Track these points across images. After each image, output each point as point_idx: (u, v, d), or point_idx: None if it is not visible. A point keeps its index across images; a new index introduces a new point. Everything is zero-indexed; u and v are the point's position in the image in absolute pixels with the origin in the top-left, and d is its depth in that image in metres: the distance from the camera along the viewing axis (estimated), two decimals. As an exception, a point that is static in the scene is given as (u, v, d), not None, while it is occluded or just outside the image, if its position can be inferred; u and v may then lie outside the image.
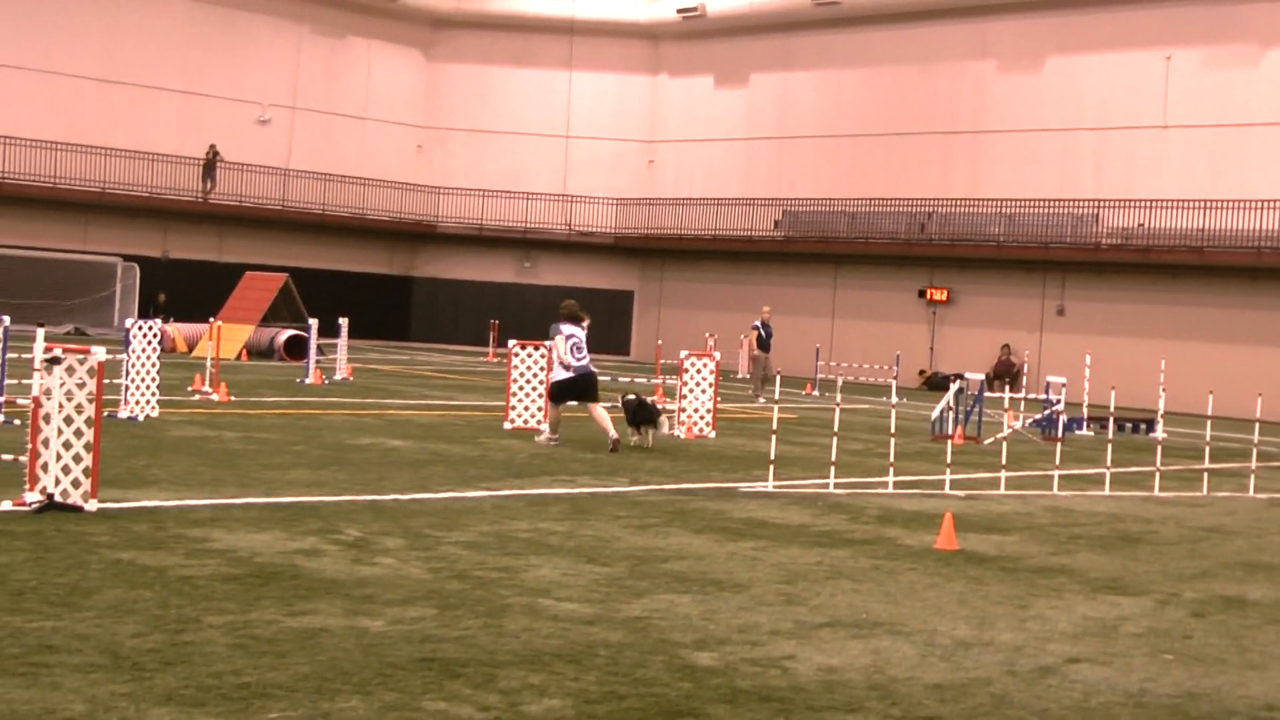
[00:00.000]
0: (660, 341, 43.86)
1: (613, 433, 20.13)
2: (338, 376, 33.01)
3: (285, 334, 40.40)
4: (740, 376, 46.64)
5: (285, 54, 57.97)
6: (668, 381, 30.77)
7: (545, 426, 21.18)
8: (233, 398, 25.45)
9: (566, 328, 20.73)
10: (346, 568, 10.22)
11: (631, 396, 21.33)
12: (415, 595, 9.38)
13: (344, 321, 34.59)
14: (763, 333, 35.85)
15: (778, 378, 19.16)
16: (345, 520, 12.39)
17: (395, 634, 8.26)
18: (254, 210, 55.56)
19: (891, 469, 17.44)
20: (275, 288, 42.26)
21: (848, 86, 55.73)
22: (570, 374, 20.63)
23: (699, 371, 24.10)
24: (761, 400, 33.64)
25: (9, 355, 19.64)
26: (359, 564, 10.40)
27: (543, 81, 61.92)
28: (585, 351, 20.94)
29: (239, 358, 38.82)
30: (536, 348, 23.26)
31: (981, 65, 52.03)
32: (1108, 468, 19.07)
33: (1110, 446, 19.80)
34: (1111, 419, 21.13)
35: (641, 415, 21.06)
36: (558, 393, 20.79)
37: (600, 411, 20.66)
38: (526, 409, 22.91)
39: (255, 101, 57.04)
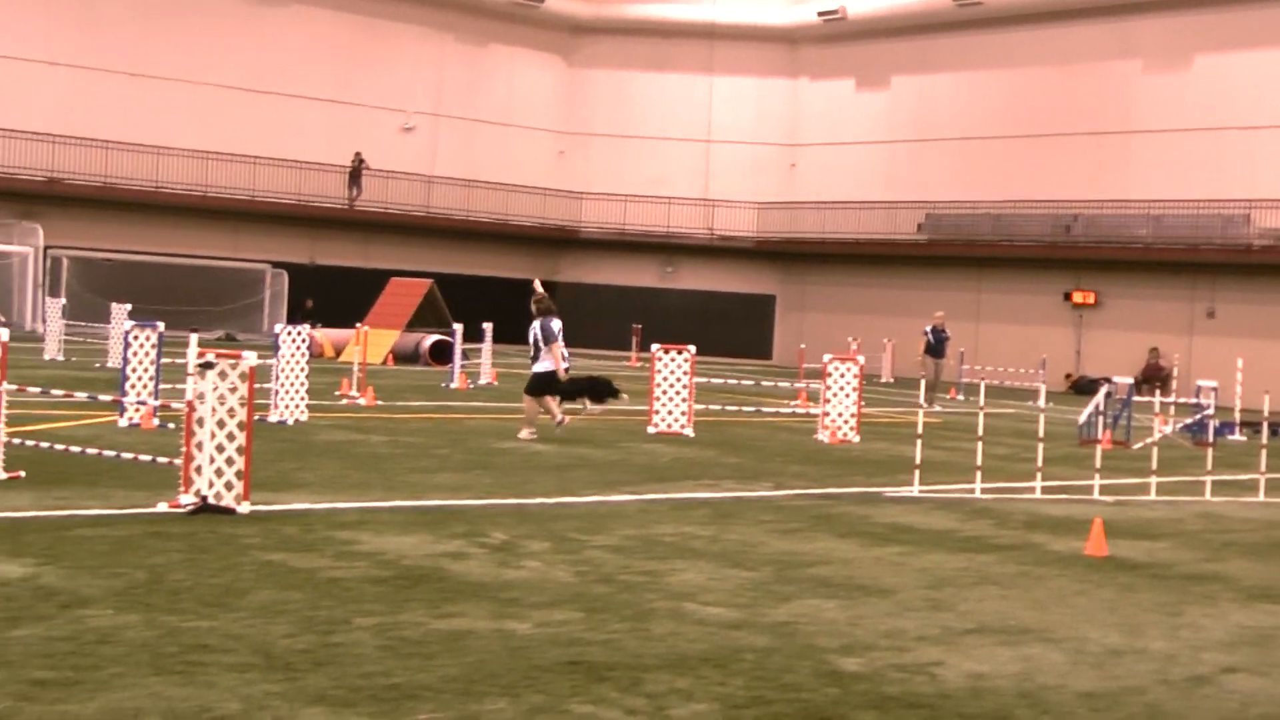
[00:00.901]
0: (803, 345, 43.67)
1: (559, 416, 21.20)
2: (482, 381, 33.29)
3: (430, 339, 40.78)
4: (883, 381, 46.34)
5: (429, 62, 58.60)
6: (811, 386, 30.62)
7: (537, 427, 21.23)
8: (379, 402, 25.75)
9: (557, 323, 21.28)
10: (492, 571, 10.30)
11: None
12: (561, 598, 9.43)
13: (488, 326, 34.88)
14: (931, 339, 35.03)
15: (923, 383, 18.86)
16: (490, 524, 12.48)
17: (541, 637, 8.30)
18: (399, 216, 56.22)
19: (1039, 474, 17.22)
20: (420, 293, 42.68)
21: (990, 87, 55.15)
22: (550, 367, 21.10)
23: (842, 375, 23.96)
24: (936, 407, 32.86)
25: (163, 360, 20.04)
26: (505, 567, 10.47)
27: (683, 86, 61.97)
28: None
29: (385, 362, 39.26)
30: (680, 351, 23.27)
31: (1127, 64, 51.23)
32: (1262, 473, 18.67)
33: (1264, 452, 19.38)
34: (1265, 424, 20.67)
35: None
36: (547, 386, 21.30)
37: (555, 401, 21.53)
38: (670, 413, 22.92)
39: (400, 109, 57.73)
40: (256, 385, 12.73)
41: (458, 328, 34.16)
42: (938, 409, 32.41)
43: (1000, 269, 53.44)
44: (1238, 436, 29.00)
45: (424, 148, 58.09)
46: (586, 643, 8.22)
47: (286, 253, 53.99)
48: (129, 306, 29.45)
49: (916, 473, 16.70)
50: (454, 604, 9.07)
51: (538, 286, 22.83)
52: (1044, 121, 53.04)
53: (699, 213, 60.70)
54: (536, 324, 21.17)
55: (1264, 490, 18.43)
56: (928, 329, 35.45)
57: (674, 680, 7.50)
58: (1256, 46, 47.74)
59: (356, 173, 54.84)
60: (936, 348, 35.16)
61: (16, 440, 14.81)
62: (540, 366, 21.07)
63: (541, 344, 21.00)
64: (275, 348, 21.27)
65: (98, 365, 31.51)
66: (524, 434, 20.78)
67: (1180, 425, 28.30)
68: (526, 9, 60.21)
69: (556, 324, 21.17)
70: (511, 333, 52.97)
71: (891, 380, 47.35)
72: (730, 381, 31.35)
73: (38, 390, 16.11)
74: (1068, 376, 49.76)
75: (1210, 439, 20.55)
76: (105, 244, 50.13)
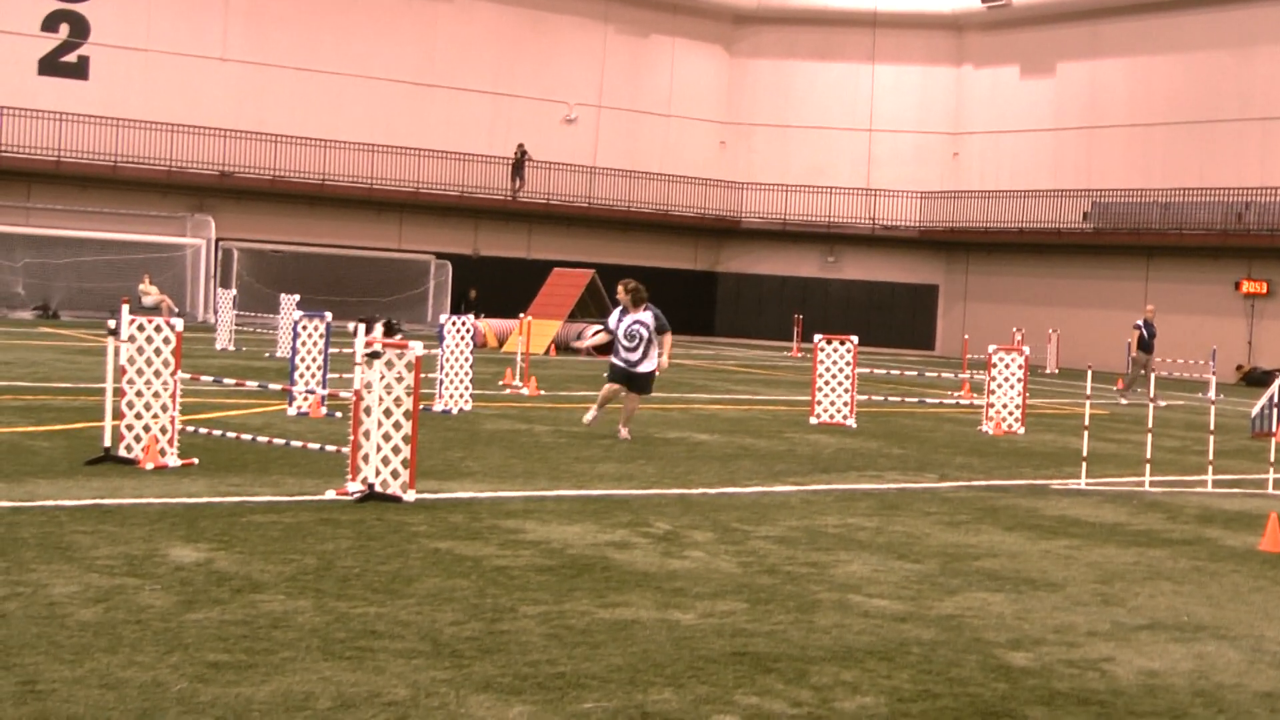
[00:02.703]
0: (966, 336, 43.21)
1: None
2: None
3: (592, 329, 40.93)
4: (1048, 372, 45.72)
5: (591, 53, 58.86)
6: (975, 376, 30.29)
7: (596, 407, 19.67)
8: (541, 392, 25.93)
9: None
10: (657, 560, 10.31)
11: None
12: (725, 589, 9.41)
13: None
14: (1145, 333, 34.04)
15: (1151, 376, 18.45)
16: (655, 513, 12.50)
17: (706, 627, 8.29)
18: (561, 208, 56.57)
19: (1210, 467, 16.87)
20: (582, 284, 42.90)
21: (1159, 73, 54.09)
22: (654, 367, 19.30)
23: (1008, 367, 23.66)
24: (1124, 402, 32.04)
25: (331, 350, 20.36)
26: (669, 557, 10.47)
27: (845, 75, 61.60)
28: (637, 341, 19.20)
29: (548, 353, 39.52)
30: (842, 342, 23.14)
31: (1302, 47, 49.97)
32: None
33: None
34: None
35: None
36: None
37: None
38: (833, 404, 22.81)
39: (562, 101, 58.07)
40: (422, 375, 12.86)
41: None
42: (1124, 403, 31.67)
43: (1169, 258, 52.41)
44: None
45: (586, 139, 58.38)
46: (751, 634, 8.19)
47: (450, 244, 54.63)
48: (297, 297, 29.94)
49: (1084, 465, 16.45)
50: (619, 593, 9.10)
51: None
52: (1215, 107, 51.89)
53: (861, 202, 60.32)
54: (646, 314, 19.23)
55: None
56: (1140, 322, 34.20)
57: (840, 672, 7.45)
58: None
59: (519, 164, 55.25)
60: (1149, 341, 34.01)
61: (190, 428, 15.14)
62: (649, 365, 19.16)
63: (654, 336, 19.16)
64: (440, 338, 21.50)
65: (267, 355, 32.11)
66: (588, 417, 19.52)
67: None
68: (688, 0, 60.23)
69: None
70: (673, 323, 53.14)
71: (1056, 371, 46.68)
72: (893, 372, 31.09)
73: (210, 379, 16.43)
74: (1239, 368, 48.67)
75: (1391, 432, 19.96)
76: (275, 236, 51.11)
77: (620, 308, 19.45)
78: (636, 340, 19.13)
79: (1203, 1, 52.50)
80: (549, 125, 57.42)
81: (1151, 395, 17.14)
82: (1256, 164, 50.19)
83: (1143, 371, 33.49)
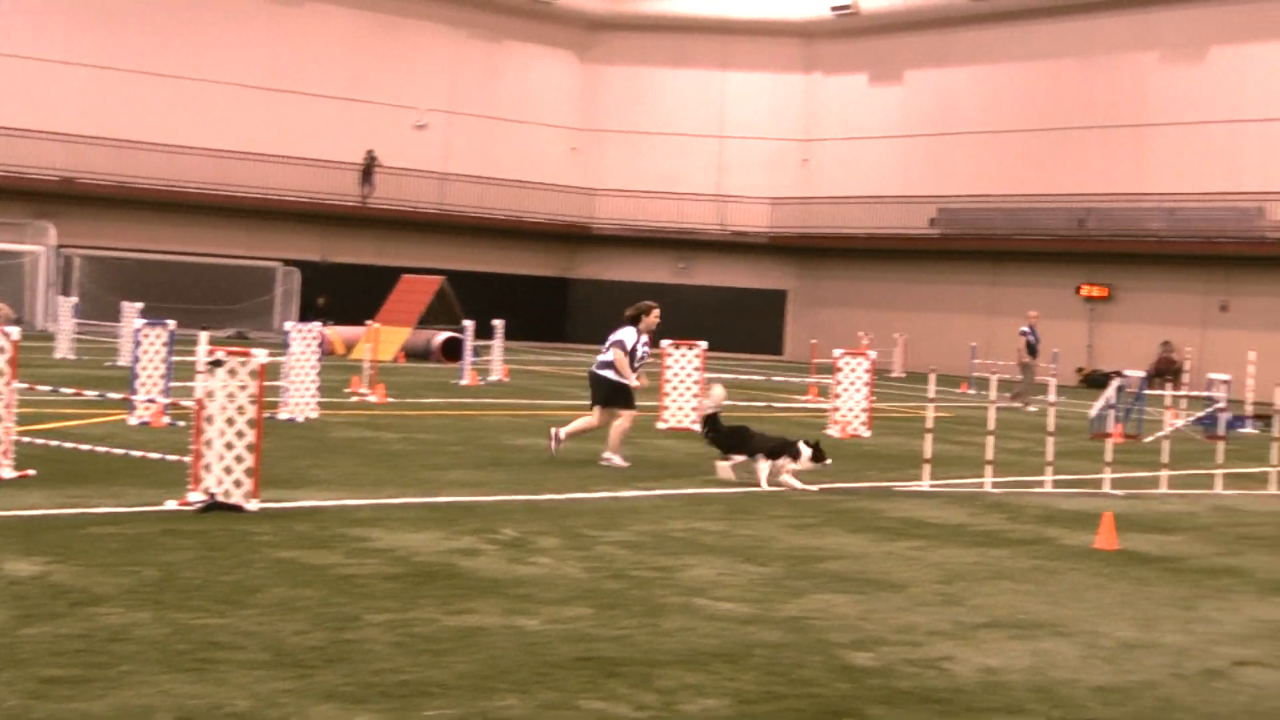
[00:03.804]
0: (814, 341, 43.62)
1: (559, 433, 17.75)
2: (493, 377, 33.28)
3: (441, 336, 40.81)
4: (895, 376, 46.26)
5: (443, 59, 58.60)
6: (822, 381, 30.58)
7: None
8: (390, 399, 25.77)
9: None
10: (504, 567, 10.30)
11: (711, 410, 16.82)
12: (572, 594, 9.42)
13: (499, 323, 34.86)
14: (1030, 338, 34.30)
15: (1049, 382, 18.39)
16: (503, 520, 12.48)
17: (553, 633, 8.30)
18: (412, 214, 56.28)
19: (1050, 468, 17.18)
20: (432, 290, 42.73)
21: (1005, 81, 55.05)
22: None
23: (854, 370, 23.93)
24: (1033, 409, 31.80)
25: (175, 358, 20.07)
26: (516, 563, 10.47)
27: (698, 82, 61.96)
28: (606, 352, 17.82)
29: (396, 360, 39.29)
30: (690, 347, 23.25)
31: (1143, 57, 51.11)
32: (1275, 466, 18.62)
33: (1277, 445, 19.33)
34: (1277, 417, 20.60)
35: (729, 443, 16.69)
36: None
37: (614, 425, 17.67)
38: (680, 409, 22.91)
39: (413, 106, 57.74)
40: (267, 383, 12.73)
41: (469, 324, 34.11)
42: (1032, 410, 31.85)
43: (1014, 263, 53.36)
44: (1250, 429, 28.94)
45: (438, 145, 58.11)
46: (598, 639, 8.22)
47: (300, 250, 54.03)
48: (140, 305, 29.48)
49: (927, 467, 16.68)
50: (466, 601, 9.07)
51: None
52: (1059, 115, 52.90)
53: (713, 208, 60.70)
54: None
55: (1277, 483, 18.39)
56: (1027, 328, 34.53)
57: (685, 676, 7.49)
58: (1272, 38, 47.60)
59: (369, 170, 54.88)
60: (1035, 347, 34.32)
61: (27, 439, 14.84)
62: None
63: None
64: (286, 345, 21.27)
65: (108, 364, 31.56)
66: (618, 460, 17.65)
67: (1192, 418, 28.23)
68: (541, 5, 60.17)
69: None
70: (525, 329, 53.26)
71: (903, 375, 47.28)
72: (741, 377, 31.30)
73: (48, 389, 16.12)
74: (1080, 370, 49.65)
75: (1222, 432, 20.50)
76: (121, 243, 50.21)
77: (632, 330, 17.94)
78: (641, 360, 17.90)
79: (1048, 12, 53.53)
80: (401, 131, 57.04)
81: (1029, 402, 17.44)
82: (1098, 171, 51.27)
83: (1033, 378, 33.87)
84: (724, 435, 16.50)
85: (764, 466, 15.99)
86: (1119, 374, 26.43)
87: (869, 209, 56.71)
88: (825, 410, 24.42)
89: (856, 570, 10.92)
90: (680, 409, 22.92)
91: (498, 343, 34.62)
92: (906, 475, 17.65)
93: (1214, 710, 7.40)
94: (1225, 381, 27.69)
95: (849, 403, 23.76)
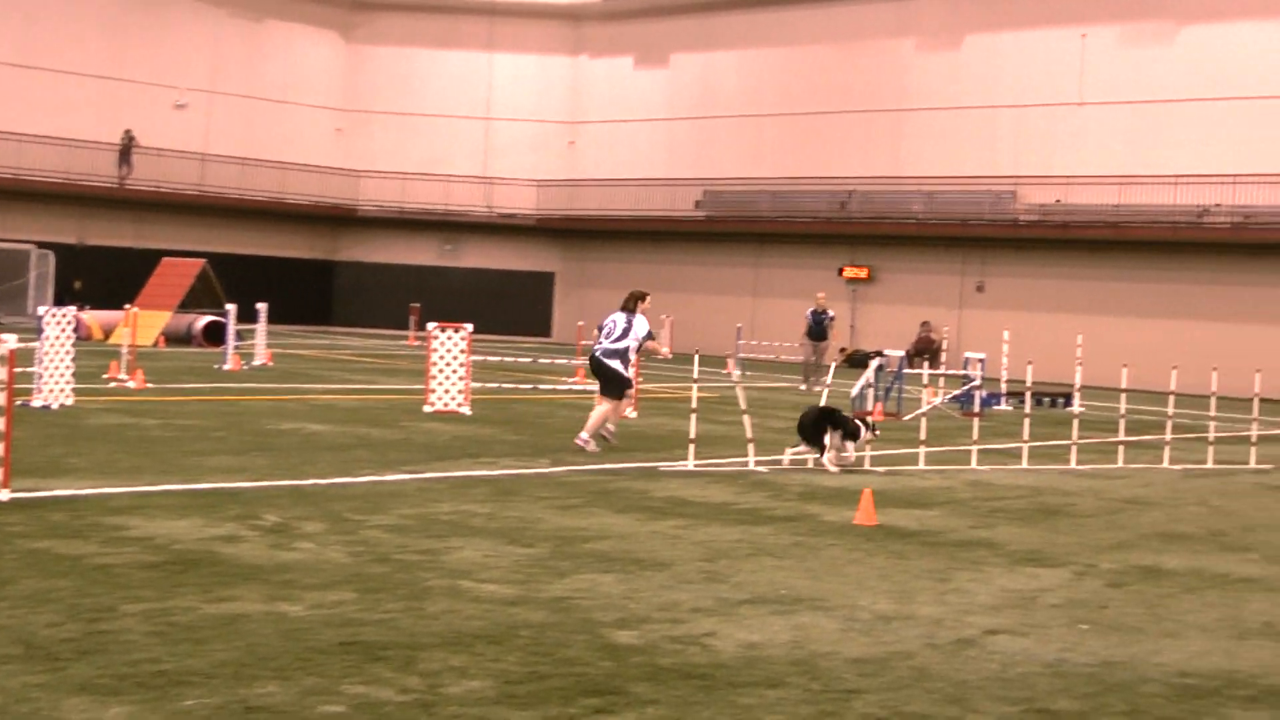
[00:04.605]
0: (581, 323, 43.79)
1: (583, 434, 18.29)
2: (257, 362, 32.76)
3: (203, 320, 40.05)
4: (662, 356, 46.56)
5: (203, 38, 57.38)
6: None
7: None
8: (150, 385, 25.20)
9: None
10: (266, 553, 10.16)
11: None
12: (336, 579, 9.34)
13: (262, 306, 34.28)
14: (811, 321, 34.80)
15: (831, 366, 18.75)
16: (266, 506, 12.31)
17: (315, 619, 8.21)
18: (171, 195, 55.02)
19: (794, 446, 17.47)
20: (193, 274, 41.87)
21: (769, 66, 55.83)
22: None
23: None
24: (818, 389, 32.13)
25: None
26: (278, 549, 10.33)
27: (464, 63, 61.68)
28: (609, 334, 19.07)
29: (156, 345, 38.45)
30: (456, 330, 23.15)
31: (902, 43, 52.27)
32: (1026, 442, 19.24)
33: (1028, 421, 19.97)
34: (1029, 394, 21.29)
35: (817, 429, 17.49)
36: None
37: (598, 409, 18.59)
38: (447, 391, 22.81)
39: (173, 86, 56.43)
40: (19, 369, 12.37)
41: (231, 308, 33.51)
42: (818, 389, 32.22)
43: (778, 245, 54.19)
44: (1004, 406, 29.81)
45: (198, 125, 56.89)
46: (361, 623, 8.16)
47: (54, 233, 52.38)
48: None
49: (692, 447, 16.87)
50: (227, 588, 8.93)
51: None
52: (822, 99, 53.83)
53: (479, 191, 60.51)
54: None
55: (1027, 458, 18.99)
56: (808, 311, 35.29)
57: (449, 658, 7.48)
58: (1023, 27, 49.05)
59: (127, 150, 53.54)
60: (816, 330, 34.98)
61: None
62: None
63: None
64: (39, 331, 20.66)
65: None
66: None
67: (949, 396, 29.00)
68: (302, -16, 59.39)
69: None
70: (290, 312, 52.53)
71: (670, 355, 47.65)
72: (508, 359, 31.28)
73: None
74: (842, 350, 50.56)
75: (977, 409, 21.09)
76: None
77: (642, 317, 19.33)
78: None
79: (809, -3, 54.45)
80: (160, 111, 55.71)
81: (817, 384, 17.75)
82: (859, 155, 52.30)
83: (814, 360, 34.41)
84: (841, 422, 17.64)
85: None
86: (879, 354, 27.03)
87: (635, 191, 57.07)
88: (593, 392, 24.44)
89: (622, 550, 11.00)
90: (446, 392, 22.80)
91: (261, 326, 34.05)
92: (672, 455, 17.82)
93: (965, 678, 7.62)
94: (981, 360, 28.50)
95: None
